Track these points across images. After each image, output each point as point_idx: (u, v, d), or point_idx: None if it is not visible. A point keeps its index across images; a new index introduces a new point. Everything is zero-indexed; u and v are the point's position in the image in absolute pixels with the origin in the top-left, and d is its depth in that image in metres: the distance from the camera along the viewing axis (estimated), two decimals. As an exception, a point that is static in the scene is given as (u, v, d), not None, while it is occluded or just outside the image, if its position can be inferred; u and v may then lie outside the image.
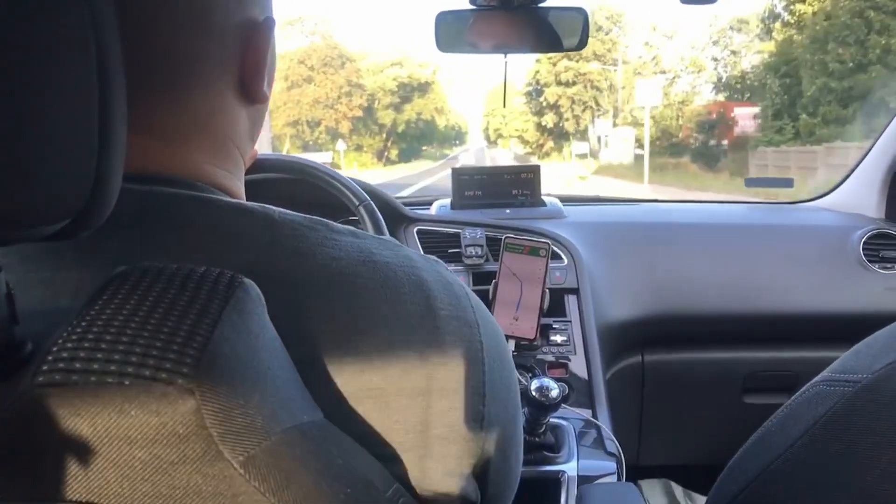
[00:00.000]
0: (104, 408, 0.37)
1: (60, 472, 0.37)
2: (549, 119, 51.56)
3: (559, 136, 52.40)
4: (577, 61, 46.80)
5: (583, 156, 43.74)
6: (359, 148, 54.43)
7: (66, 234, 0.41)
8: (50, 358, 0.38)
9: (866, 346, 0.60)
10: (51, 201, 0.38)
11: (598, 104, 48.30)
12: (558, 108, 50.09)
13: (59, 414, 0.37)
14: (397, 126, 58.68)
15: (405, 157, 60.03)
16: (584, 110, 48.92)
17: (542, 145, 54.94)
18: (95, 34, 0.38)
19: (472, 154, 65.86)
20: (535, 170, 2.02)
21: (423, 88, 62.45)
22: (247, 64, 0.58)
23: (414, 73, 61.53)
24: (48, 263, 0.49)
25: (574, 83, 48.91)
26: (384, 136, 57.84)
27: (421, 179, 29.15)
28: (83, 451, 0.37)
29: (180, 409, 0.37)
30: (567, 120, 49.75)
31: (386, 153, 57.63)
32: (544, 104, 51.49)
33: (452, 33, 1.43)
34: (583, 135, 48.43)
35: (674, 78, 39.31)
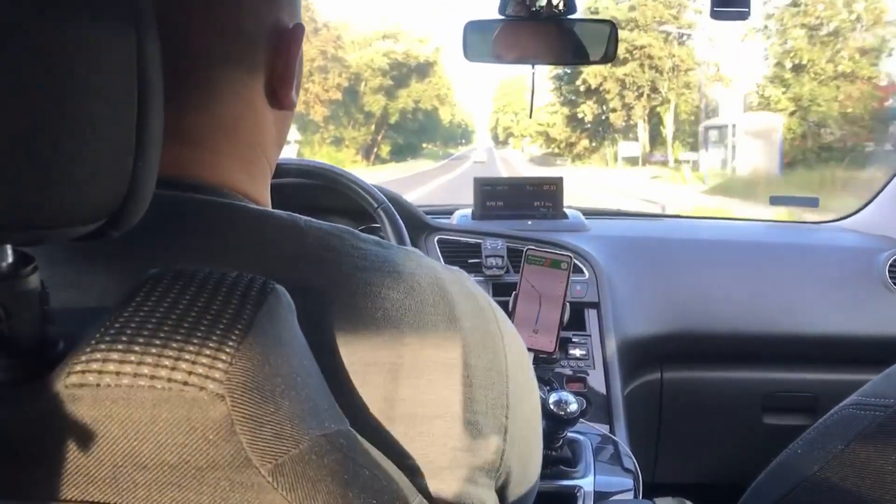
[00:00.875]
0: (135, 411, 0.37)
1: (89, 474, 0.37)
2: (587, 109, 37.29)
3: (597, 132, 38.33)
4: (633, 30, 32.69)
5: (632, 160, 34.17)
6: (337, 141, 41.24)
7: (99, 235, 0.41)
8: (83, 358, 0.38)
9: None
10: (88, 201, 0.38)
11: (655, 90, 34.22)
12: (601, 94, 35.77)
13: (90, 415, 0.37)
14: (389, 116, 46.25)
15: (399, 154, 48.12)
16: (638, 97, 34.61)
17: (573, 144, 40.71)
18: (138, 37, 0.39)
19: (480, 154, 58.25)
20: (558, 181, 2.01)
21: (423, 70, 49.71)
22: (276, 69, 0.58)
23: (411, 50, 48.62)
24: (76, 267, 0.50)
25: (626, 60, 33.24)
26: (372, 127, 44.55)
27: (411, 188, 20.45)
28: (112, 453, 0.37)
29: (211, 415, 0.37)
30: (614, 111, 35.51)
31: (375, 149, 45.11)
32: (581, 89, 36.69)
33: (480, 43, 1.43)
34: (629, 132, 35.84)
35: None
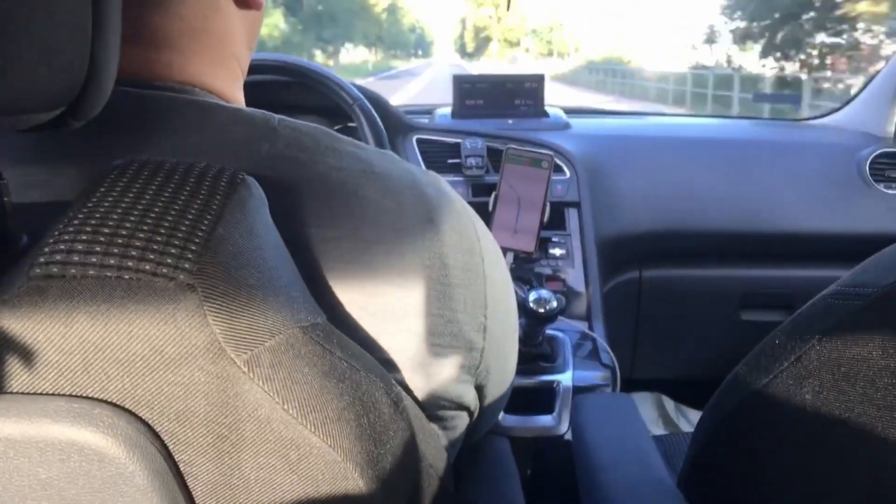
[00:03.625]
0: (103, 302, 0.36)
1: (59, 366, 0.36)
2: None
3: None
4: None
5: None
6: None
7: (60, 124, 0.40)
8: (46, 250, 0.37)
9: (876, 262, 0.59)
10: (44, 87, 0.36)
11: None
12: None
13: (57, 306, 0.36)
14: (318, 2, 34.17)
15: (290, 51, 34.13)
16: None
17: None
18: None
19: (435, 70, 42.89)
20: (539, 79, 1.97)
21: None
22: None
23: None
24: (44, 166, 0.48)
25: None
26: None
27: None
28: (82, 345, 0.36)
29: (182, 305, 0.36)
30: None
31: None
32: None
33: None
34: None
35: None
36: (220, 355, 0.37)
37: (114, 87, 0.42)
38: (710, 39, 28.36)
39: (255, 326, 0.38)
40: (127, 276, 0.36)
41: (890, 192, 1.75)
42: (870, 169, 1.77)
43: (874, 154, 1.78)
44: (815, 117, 2.16)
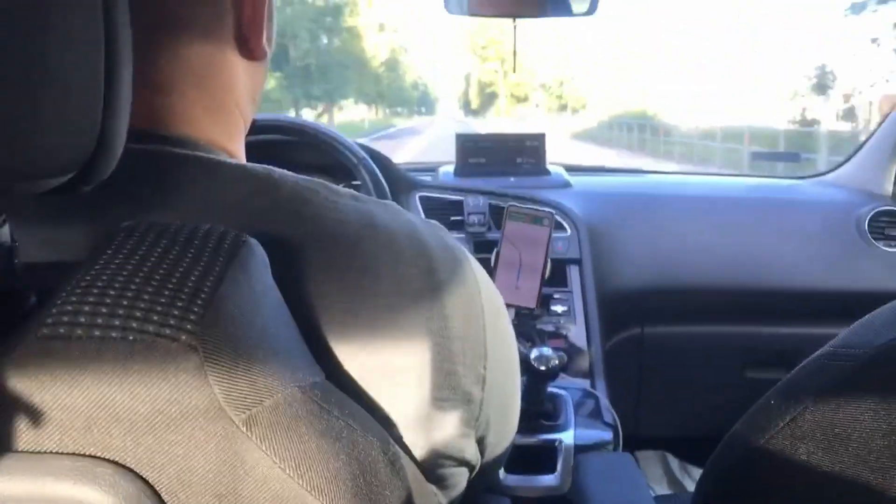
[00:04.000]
0: (107, 362, 0.37)
1: (63, 425, 0.37)
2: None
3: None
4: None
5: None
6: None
7: (70, 189, 0.41)
8: (54, 311, 0.38)
9: (868, 322, 0.60)
10: (56, 153, 0.38)
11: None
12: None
13: (63, 366, 0.37)
14: (305, 56, 33.22)
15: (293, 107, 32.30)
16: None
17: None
18: None
19: (439, 128, 38.23)
20: (541, 137, 2.00)
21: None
22: (244, 16, 0.57)
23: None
24: (50, 223, 0.49)
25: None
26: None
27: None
28: (86, 404, 0.37)
29: (183, 366, 0.37)
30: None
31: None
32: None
33: (460, -4, 1.40)
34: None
35: None
36: (220, 415, 0.37)
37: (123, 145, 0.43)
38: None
39: (255, 387, 0.38)
40: (131, 337, 0.37)
41: (889, 249, 1.76)
42: (869, 227, 1.78)
43: (873, 212, 1.80)
44: (815, 175, 2.19)
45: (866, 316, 0.61)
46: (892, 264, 1.74)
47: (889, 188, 1.88)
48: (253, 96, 0.63)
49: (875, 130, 1.99)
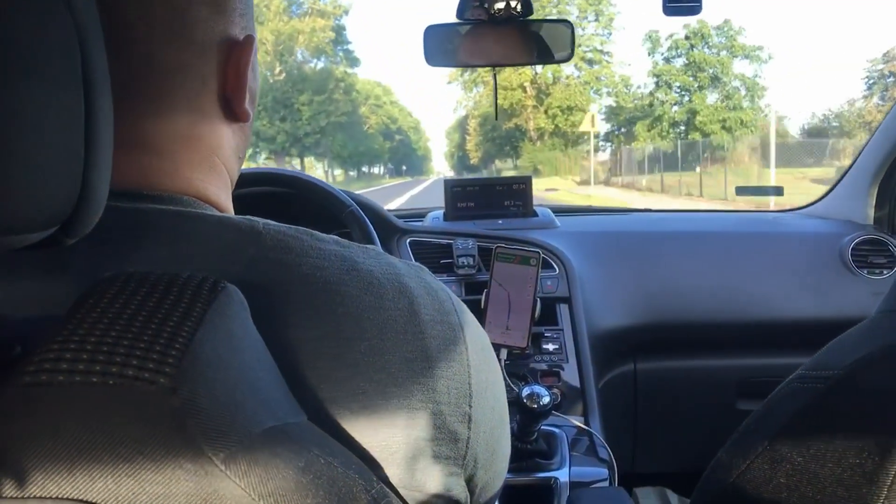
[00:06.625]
0: (89, 406, 0.38)
1: (46, 470, 0.38)
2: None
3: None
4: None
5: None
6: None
7: (53, 242, 0.42)
8: (36, 359, 0.39)
9: (837, 344, 0.62)
10: (37, 208, 0.39)
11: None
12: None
13: (45, 412, 0.38)
14: (317, 119, 33.81)
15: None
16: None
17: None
18: (80, 40, 0.40)
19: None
20: (527, 181, 2.04)
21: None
22: (228, 80, 0.59)
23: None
24: (37, 280, 0.50)
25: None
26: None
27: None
28: (68, 449, 0.38)
29: (163, 408, 0.38)
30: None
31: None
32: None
33: (441, 47, 1.45)
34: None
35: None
36: (199, 454, 0.38)
37: (106, 199, 0.44)
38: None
39: (233, 426, 0.40)
40: (111, 381, 0.38)
41: (873, 277, 1.78)
42: (852, 255, 1.81)
43: (855, 241, 1.82)
44: (799, 208, 2.22)
45: (833, 339, 0.62)
46: (878, 291, 1.76)
47: (870, 216, 1.92)
48: (238, 154, 0.65)
49: (854, 161, 2.03)
